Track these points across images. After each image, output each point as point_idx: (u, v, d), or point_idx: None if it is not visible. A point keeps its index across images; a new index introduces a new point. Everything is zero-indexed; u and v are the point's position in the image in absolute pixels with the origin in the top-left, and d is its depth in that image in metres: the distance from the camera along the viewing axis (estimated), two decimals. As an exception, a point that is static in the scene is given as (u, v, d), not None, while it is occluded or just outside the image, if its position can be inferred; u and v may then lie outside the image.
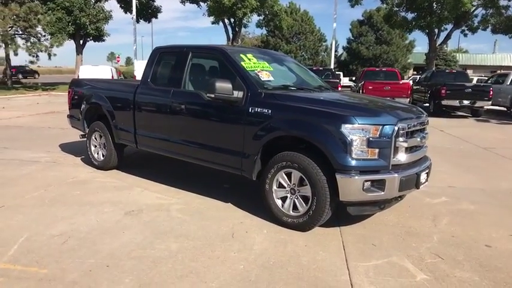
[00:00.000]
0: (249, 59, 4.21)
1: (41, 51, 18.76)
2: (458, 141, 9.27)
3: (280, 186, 3.69)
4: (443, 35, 22.18)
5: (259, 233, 3.55)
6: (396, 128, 3.34)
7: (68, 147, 7.18)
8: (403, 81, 15.25)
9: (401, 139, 3.40)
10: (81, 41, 24.10)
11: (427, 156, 4.18)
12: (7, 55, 20.08)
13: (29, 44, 18.77)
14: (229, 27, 26.14)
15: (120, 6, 25.77)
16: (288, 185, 3.64)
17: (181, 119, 4.45)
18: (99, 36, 23.51)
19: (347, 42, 42.73)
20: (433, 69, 19.38)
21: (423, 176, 3.71)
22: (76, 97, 6.15)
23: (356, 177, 3.23)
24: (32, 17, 17.67)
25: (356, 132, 3.25)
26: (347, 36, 45.35)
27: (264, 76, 4.10)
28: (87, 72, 15.14)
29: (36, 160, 6.20)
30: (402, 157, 3.44)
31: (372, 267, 2.96)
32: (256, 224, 3.75)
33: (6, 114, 12.46)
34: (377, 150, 3.31)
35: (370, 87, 14.64)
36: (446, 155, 7.49)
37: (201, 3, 24.93)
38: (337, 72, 36.67)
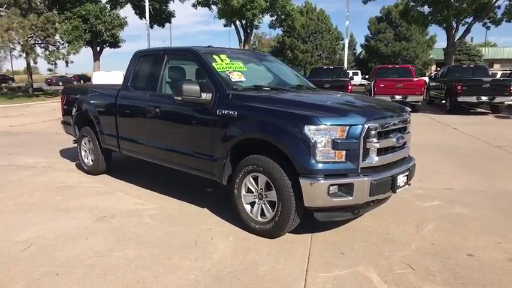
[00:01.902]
0: (222, 60, 4.09)
1: (59, 59, 19.34)
2: (470, 140, 8.82)
3: (249, 191, 3.54)
4: (463, 28, 21.35)
5: (224, 240, 3.42)
6: (365, 128, 3.13)
7: (66, 153, 7.27)
8: (417, 78, 14.70)
9: (372, 140, 3.18)
10: (98, 48, 24.71)
11: (411, 157, 3.93)
12: (28, 64, 20.84)
13: (47, 52, 19.41)
14: (240, 29, 26.11)
15: (135, 13, 26.27)
16: (256, 189, 3.49)
17: (157, 122, 4.38)
18: (114, 43, 24.01)
19: (365, 39, 41.94)
20: (450, 64, 18.64)
21: (401, 179, 3.47)
22: (68, 103, 6.21)
23: (320, 181, 3.04)
24: (49, 27, 18.24)
25: (320, 134, 3.06)
26: (365, 33, 44.51)
27: (235, 77, 3.96)
28: (101, 77, 15.42)
29: (32, 166, 6.29)
30: (374, 159, 3.23)
31: (332, 278, 2.77)
32: (225, 231, 3.61)
33: (22, 120, 12.85)
34: (344, 153, 3.11)
35: (381, 85, 14.22)
36: (453, 154, 7.12)
37: (213, 7, 25.02)
38: (355, 70, 36.09)
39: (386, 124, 3.35)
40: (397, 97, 14.07)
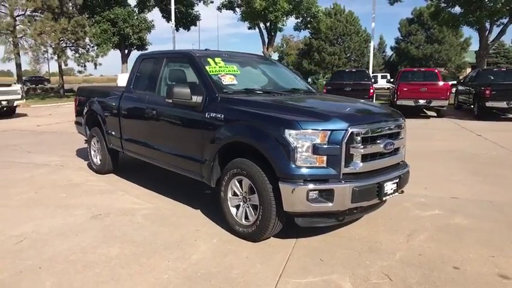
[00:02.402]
0: (216, 63, 4.13)
1: (88, 61, 20.17)
2: (493, 147, 8.41)
3: (235, 194, 3.56)
4: (497, 30, 20.40)
5: (208, 241, 3.45)
6: (348, 133, 3.07)
7: (81, 152, 7.55)
8: (443, 82, 14.16)
9: (356, 145, 3.12)
10: (126, 51, 25.52)
11: (405, 163, 3.82)
12: (59, 66, 21.86)
13: (77, 55, 20.28)
14: (264, 32, 26.14)
15: (163, 16, 26.94)
16: (241, 193, 3.50)
17: (154, 124, 4.48)
18: (142, 46, 24.69)
19: (395, 42, 40.91)
20: (480, 68, 17.84)
21: (389, 187, 3.37)
22: (80, 104, 6.45)
23: (299, 186, 3.01)
24: (79, 30, 19.05)
25: (300, 138, 3.03)
26: (395, 35, 43.39)
27: (227, 80, 3.99)
28: (125, 79, 15.81)
29: (47, 164, 6.58)
30: (358, 165, 3.16)
31: (303, 284, 2.73)
32: (211, 233, 3.64)
33: (50, 120, 13.45)
34: (325, 158, 3.06)
35: (404, 89, 13.84)
36: (469, 162, 6.83)
37: (237, 9, 25.20)
38: (384, 73, 35.22)
39: (373, 129, 3.27)
40: (421, 101, 13.67)
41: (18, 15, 18.55)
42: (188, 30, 28.09)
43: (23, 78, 24.11)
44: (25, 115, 15.05)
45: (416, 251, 3.31)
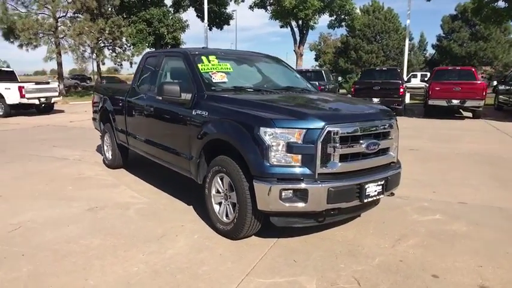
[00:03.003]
0: (210, 61, 4.16)
1: (124, 60, 21.01)
2: (524, 151, 7.85)
3: (218, 191, 3.57)
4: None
5: (188, 237, 3.49)
6: (324, 132, 2.99)
7: (101, 148, 7.87)
8: (478, 81, 13.34)
9: (334, 145, 3.03)
10: (162, 50, 26.15)
11: (396, 164, 3.65)
12: (98, 65, 22.96)
13: (114, 54, 21.19)
14: (296, 30, 25.88)
15: (197, 16, 27.46)
16: (222, 190, 3.51)
17: (152, 120, 4.60)
18: (176, 45, 25.27)
19: (437, 39, 39.03)
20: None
21: (373, 188, 3.25)
22: (96, 101, 6.73)
23: (272, 185, 2.97)
24: (115, 30, 19.88)
25: (275, 136, 2.99)
26: (437, 33, 41.37)
27: (218, 78, 4.01)
28: None
29: (66, 158, 6.93)
30: (336, 165, 3.06)
31: (266, 284, 2.70)
32: (195, 229, 3.68)
33: (83, 116, 14.11)
34: (300, 157, 3.00)
35: (437, 88, 13.21)
36: (493, 166, 6.43)
37: (269, 8, 25.07)
38: (424, 72, 33.75)
39: (354, 129, 3.15)
40: (454, 101, 13.00)
41: (60, 17, 19.69)
42: (221, 29, 28.47)
43: (66, 76, 25.46)
44: (62, 111, 15.91)
45: (398, 256, 3.16)
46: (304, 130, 2.99)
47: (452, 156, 7.28)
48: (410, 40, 41.33)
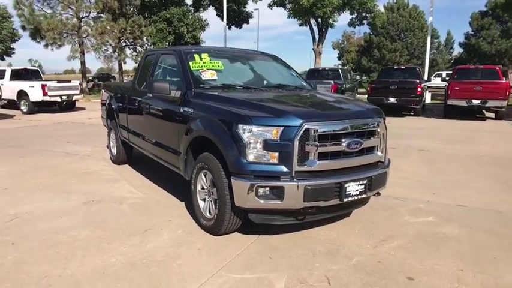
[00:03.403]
0: (202, 59, 4.22)
1: (145, 59, 21.35)
2: (541, 153, 7.51)
3: (202, 187, 3.63)
4: None
5: (172, 232, 3.56)
6: (301, 130, 2.99)
7: (111, 143, 8.09)
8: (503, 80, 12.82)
9: (312, 143, 3.02)
10: (182, 49, 26.38)
11: (383, 164, 3.59)
12: (119, 64, 23.58)
13: (135, 53, 21.71)
14: (315, 29, 25.61)
15: (217, 15, 27.67)
16: (206, 186, 3.56)
17: (147, 117, 4.71)
18: (195, 44, 25.53)
19: (465, 37, 37.71)
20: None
21: (354, 187, 3.21)
22: (103, 99, 6.92)
23: (249, 182, 3.00)
24: (136, 30, 20.35)
25: (252, 134, 3.02)
26: (465, 30, 39.92)
27: (208, 75, 4.06)
28: None
29: (77, 153, 7.17)
30: (314, 163, 3.05)
31: (235, 279, 2.72)
32: (181, 224, 3.74)
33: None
34: (277, 154, 3.01)
35: (456, 88, 12.80)
36: (502, 169, 6.21)
37: (288, 6, 24.89)
38: (450, 71, 32.70)
39: (333, 127, 3.13)
40: (475, 101, 12.56)
41: (83, 17, 20.33)
42: (240, 28, 28.59)
43: (91, 75, 26.23)
44: (83, 109, 16.42)
45: (377, 257, 3.11)
46: (282, 128, 3.00)
47: (463, 158, 7.06)
48: (436, 38, 40.36)
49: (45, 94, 14.18)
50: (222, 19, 25.16)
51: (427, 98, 17.80)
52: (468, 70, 14.50)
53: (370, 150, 3.43)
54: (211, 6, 26.90)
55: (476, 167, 6.32)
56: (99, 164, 6.29)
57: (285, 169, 3.01)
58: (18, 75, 15.62)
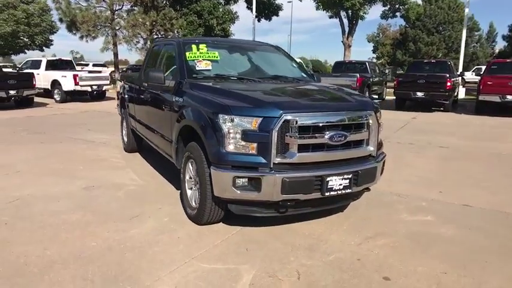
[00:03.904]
0: (199, 49, 4.21)
1: (175, 51, 21.68)
2: None
3: (190, 177, 3.64)
4: None
5: (158, 219, 3.60)
6: (280, 121, 2.92)
7: (128, 132, 8.30)
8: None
9: (292, 134, 2.95)
10: (212, 41, 26.62)
11: (374, 158, 3.45)
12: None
13: (165, 45, 22.03)
14: (345, 21, 24.95)
15: (247, 7, 27.57)
16: (193, 176, 3.57)
17: (148, 106, 4.79)
18: (225, 36, 25.60)
19: (509, 29, 35.43)
20: None
21: (336, 182, 3.11)
22: (118, 89, 7.11)
23: (226, 172, 2.98)
24: (166, 22, 20.70)
25: (231, 124, 2.99)
26: (510, 22, 37.45)
27: (202, 65, 4.05)
28: None
29: (94, 141, 7.42)
30: (293, 155, 2.98)
31: (204, 269, 2.72)
32: (170, 212, 3.78)
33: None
34: (255, 145, 2.97)
35: (489, 83, 12.09)
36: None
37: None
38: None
39: (315, 119, 3.04)
40: (510, 97, 11.81)
41: (116, 10, 20.92)
42: (269, 20, 28.33)
43: (125, 67, 27.00)
44: (113, 99, 16.92)
45: (358, 255, 3.01)
46: (261, 118, 2.95)
47: (483, 156, 6.67)
48: (476, 31, 38.18)
49: (76, 84, 14.77)
50: (252, 12, 25.08)
51: (461, 93, 16.97)
52: (503, 64, 13.64)
53: (358, 143, 3.30)
54: (241, -1, 26.92)
55: (495, 166, 5.95)
56: (111, 152, 6.48)
57: (263, 160, 2.96)
58: (53, 65, 16.34)
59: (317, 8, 23.60)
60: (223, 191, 3.03)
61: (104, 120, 10.43)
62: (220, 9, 24.07)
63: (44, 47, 27.84)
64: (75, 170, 5.32)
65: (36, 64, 16.18)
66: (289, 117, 2.94)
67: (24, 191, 4.31)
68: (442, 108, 13.63)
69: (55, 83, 15.08)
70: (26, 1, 25.89)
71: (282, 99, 3.22)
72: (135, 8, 21.44)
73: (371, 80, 15.65)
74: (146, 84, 4.06)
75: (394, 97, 14.01)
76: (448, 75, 12.85)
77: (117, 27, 20.59)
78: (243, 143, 2.98)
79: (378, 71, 17.53)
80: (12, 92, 12.27)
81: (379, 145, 3.66)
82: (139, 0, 20.23)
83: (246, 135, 2.96)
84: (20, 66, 17.34)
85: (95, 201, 4.07)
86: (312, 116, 3.03)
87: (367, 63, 16.24)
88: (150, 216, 3.68)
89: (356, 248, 3.12)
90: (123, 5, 20.80)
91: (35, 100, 14.17)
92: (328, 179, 3.06)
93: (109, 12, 20.66)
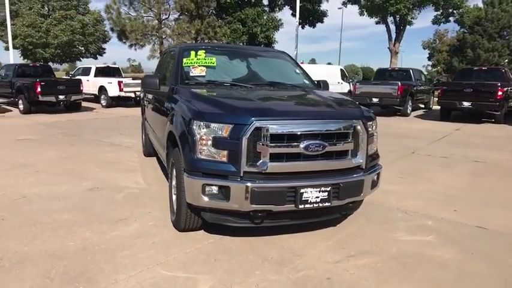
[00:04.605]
0: (197, 55, 4.23)
1: (217, 58, 22.22)
2: None
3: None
4: None
5: (143, 223, 3.63)
6: (250, 129, 2.83)
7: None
8: None
9: (264, 142, 2.84)
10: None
11: (360, 171, 3.22)
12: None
13: (208, 53, 22.61)
14: (392, 27, 23.92)
15: (292, 14, 27.51)
16: (175, 181, 3.56)
17: (151, 112, 4.90)
18: (268, 44, 25.76)
19: None
20: None
21: (312, 194, 2.94)
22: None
23: (196, 179, 2.93)
24: (210, 30, 21.25)
25: (204, 130, 2.95)
26: None
27: (197, 72, 4.05)
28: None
29: (119, 144, 7.74)
30: (265, 164, 2.86)
31: (164, 277, 2.67)
32: (157, 217, 3.80)
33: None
34: (226, 153, 2.90)
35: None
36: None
37: (363, 3, 23.61)
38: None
39: (290, 127, 2.90)
40: None
41: (163, 19, 21.89)
42: (313, 27, 28.02)
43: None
44: (155, 104, 17.65)
45: (330, 274, 2.81)
46: (232, 125, 2.87)
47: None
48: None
49: (121, 90, 15.57)
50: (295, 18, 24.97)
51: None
52: None
53: (341, 154, 3.10)
54: (286, 6, 26.94)
55: (531, 185, 5.34)
56: (130, 156, 6.70)
57: (233, 169, 2.88)
58: (102, 72, 17.38)
59: (360, 14, 22.94)
60: (194, 198, 2.98)
61: (137, 125, 10.80)
62: (265, 17, 24.26)
63: (97, 55, 29.84)
64: (90, 171, 5.56)
65: (86, 71, 17.33)
66: (260, 124, 2.84)
67: (32, 190, 4.56)
68: (493, 120, 12.57)
69: (102, 89, 16.02)
70: (82, 12, 27.99)
71: (256, 106, 3.12)
72: (181, 17, 22.26)
73: (415, 88, 14.84)
74: (142, 89, 4.16)
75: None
76: (499, 84, 11.82)
77: (163, 36, 21.51)
78: (214, 150, 2.92)
79: (423, 78, 16.59)
80: (61, 97, 13.19)
81: (372, 156, 3.42)
82: (184, 9, 20.98)
83: (217, 143, 2.90)
84: (72, 73, 18.65)
85: (91, 203, 4.20)
86: (286, 124, 2.90)
87: (411, 71, 15.42)
88: (136, 220, 3.72)
89: (331, 266, 2.92)
90: (169, 15, 21.72)
91: (84, 105, 15.17)
92: (302, 190, 2.90)
93: (156, 21, 21.67)
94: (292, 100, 3.61)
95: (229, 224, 3.14)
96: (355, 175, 3.17)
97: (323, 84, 4.61)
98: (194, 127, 2.98)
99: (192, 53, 4.27)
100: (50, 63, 25.09)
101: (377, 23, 24.13)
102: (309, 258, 3.04)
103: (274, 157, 2.88)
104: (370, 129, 3.29)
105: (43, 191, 4.52)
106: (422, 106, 16.97)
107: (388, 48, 24.57)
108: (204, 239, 3.33)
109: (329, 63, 30.83)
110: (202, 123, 2.94)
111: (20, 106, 13.07)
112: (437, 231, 3.67)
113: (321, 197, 2.97)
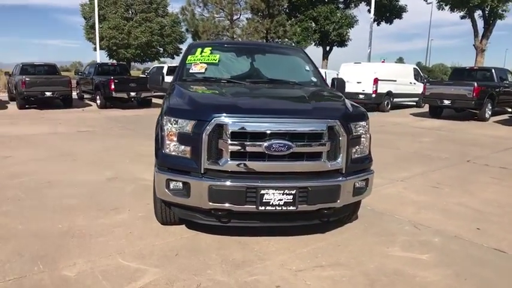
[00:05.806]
0: (202, 52, 4.27)
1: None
2: None
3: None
4: None
5: (134, 215, 3.77)
6: (211, 125, 2.78)
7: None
8: None
9: (225, 140, 2.77)
10: (328, 48, 26.25)
11: (336, 175, 2.96)
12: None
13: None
14: (480, 21, 21.24)
15: (368, 11, 26.13)
16: (162, 176, 3.64)
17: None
18: (341, 42, 24.87)
19: None
20: None
21: (275, 196, 2.79)
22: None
23: (161, 174, 2.98)
24: (279, 29, 21.25)
25: (171, 126, 2.98)
26: None
27: (197, 68, 4.08)
28: (348, 69, 15.52)
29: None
30: (225, 162, 2.79)
31: (116, 265, 2.75)
32: (151, 210, 3.88)
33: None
34: (189, 149, 2.89)
35: None
36: None
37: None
38: None
39: (253, 124, 2.77)
40: None
41: (234, 19, 22.46)
42: (390, 24, 26.24)
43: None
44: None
45: (283, 282, 2.64)
46: (195, 121, 2.85)
47: None
48: None
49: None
50: (370, 14, 23.79)
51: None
52: None
53: (313, 156, 2.88)
54: (362, 2, 25.71)
55: None
56: (149, 150, 6.96)
57: (194, 165, 2.86)
58: (173, 71, 18.42)
59: (438, 8, 20.83)
60: (160, 192, 3.03)
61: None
62: (338, 14, 23.51)
63: (174, 55, 31.78)
64: (119, 162, 5.93)
65: (159, 70, 18.58)
66: (220, 121, 2.76)
67: (59, 176, 5.01)
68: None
69: (170, 86, 17.00)
70: (161, 14, 29.98)
71: (221, 103, 3.04)
72: (252, 16, 22.64)
73: (497, 89, 13.14)
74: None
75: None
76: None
77: (234, 36, 22.08)
78: (180, 146, 2.93)
79: (509, 79, 14.57)
80: (132, 94, 14.32)
81: (358, 160, 3.12)
82: (255, 9, 21.30)
83: (182, 138, 2.90)
84: (147, 72, 20.13)
85: (101, 190, 4.49)
86: (248, 122, 2.78)
87: (493, 70, 13.67)
88: (129, 210, 3.89)
89: (289, 274, 2.73)
90: (240, 15, 22.23)
91: (156, 101, 16.26)
92: (263, 191, 2.77)
93: (227, 21, 22.34)
94: (273, 98, 3.45)
95: (197, 221, 3.13)
96: (330, 179, 2.92)
97: (337, 83, 4.32)
98: (164, 122, 3.02)
99: (198, 50, 4.32)
100: (132, 63, 27.31)
101: (462, 17, 21.76)
102: (271, 263, 2.89)
103: (237, 155, 2.79)
104: (353, 130, 3.01)
105: (66, 178, 4.95)
106: (510, 110, 14.95)
107: (474, 45, 22.00)
108: (180, 234, 3.35)
109: (419, 63, 28.68)
110: (171, 119, 2.97)
111: (97, 101, 14.50)
112: (440, 249, 3.22)
113: (285, 200, 2.80)
